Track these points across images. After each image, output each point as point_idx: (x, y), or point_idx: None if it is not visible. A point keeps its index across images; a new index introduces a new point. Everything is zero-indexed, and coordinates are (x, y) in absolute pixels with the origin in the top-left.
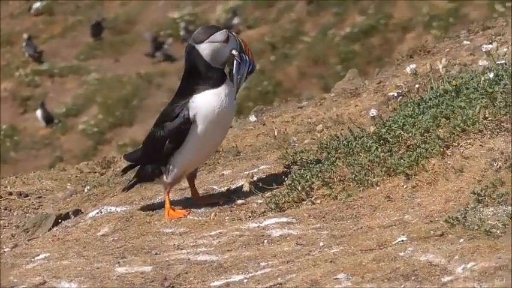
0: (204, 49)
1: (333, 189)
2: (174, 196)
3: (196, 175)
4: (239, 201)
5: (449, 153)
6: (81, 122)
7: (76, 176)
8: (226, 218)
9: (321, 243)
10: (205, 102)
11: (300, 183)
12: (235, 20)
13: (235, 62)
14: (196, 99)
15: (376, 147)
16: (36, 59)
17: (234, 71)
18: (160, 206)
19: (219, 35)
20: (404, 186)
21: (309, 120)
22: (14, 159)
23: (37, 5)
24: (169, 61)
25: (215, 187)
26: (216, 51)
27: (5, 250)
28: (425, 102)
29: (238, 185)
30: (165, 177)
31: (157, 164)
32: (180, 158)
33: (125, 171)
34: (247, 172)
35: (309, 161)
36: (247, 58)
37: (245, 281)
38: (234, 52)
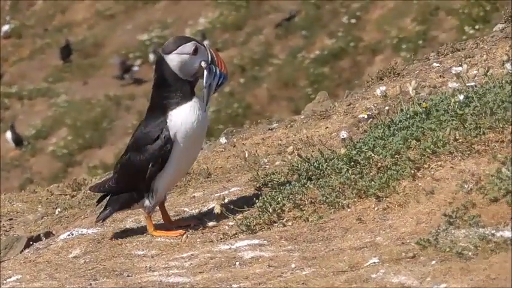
0: (172, 60)
1: (304, 211)
2: (143, 221)
3: (166, 198)
4: (210, 224)
5: (420, 175)
6: (51, 143)
7: (47, 198)
8: (197, 240)
9: (293, 265)
10: (183, 119)
11: (271, 205)
12: (204, 43)
13: (204, 72)
14: (174, 116)
15: (347, 169)
16: None
17: (204, 82)
18: (132, 227)
19: (188, 47)
20: (376, 208)
21: (280, 142)
22: None
23: (5, 28)
24: (138, 83)
25: (186, 209)
26: (184, 62)
27: None
28: (395, 124)
29: (209, 207)
30: (148, 201)
31: (138, 189)
32: (163, 179)
33: (99, 201)
34: (218, 194)
35: (280, 183)
36: (217, 70)
37: None
38: (202, 64)
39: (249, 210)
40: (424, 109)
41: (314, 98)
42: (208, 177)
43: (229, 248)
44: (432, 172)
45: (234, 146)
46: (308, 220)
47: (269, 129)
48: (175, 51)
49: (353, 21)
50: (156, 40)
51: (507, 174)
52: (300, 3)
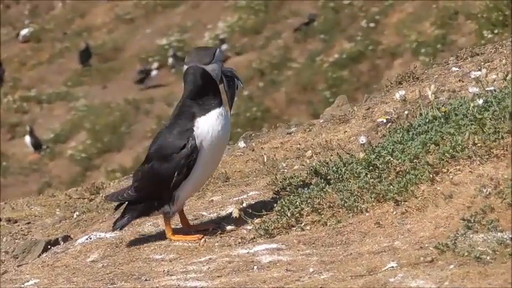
0: (214, 70)
1: (323, 216)
2: (161, 225)
3: (185, 202)
4: (229, 228)
5: (439, 180)
6: (70, 147)
7: (65, 202)
8: (215, 244)
9: (311, 269)
10: (210, 127)
11: (289, 209)
12: (223, 47)
13: (224, 79)
14: (200, 124)
15: (366, 173)
16: None
17: (225, 87)
18: (150, 232)
19: (219, 53)
20: (394, 213)
21: (298, 146)
22: (2, 185)
23: (25, 31)
24: (157, 87)
25: (204, 213)
26: (219, 69)
27: None
28: (414, 128)
29: (227, 211)
30: (168, 208)
31: (160, 198)
32: (187, 187)
33: (117, 208)
34: (237, 198)
35: (299, 187)
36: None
37: None
38: (227, 68)
39: (267, 214)
40: (443, 113)
41: (333, 102)
42: (226, 181)
43: (247, 252)
44: (451, 176)
45: (253, 150)
46: (326, 224)
47: (288, 133)
48: (213, 61)
49: (372, 25)
50: (175, 44)
51: None
52: (318, 7)
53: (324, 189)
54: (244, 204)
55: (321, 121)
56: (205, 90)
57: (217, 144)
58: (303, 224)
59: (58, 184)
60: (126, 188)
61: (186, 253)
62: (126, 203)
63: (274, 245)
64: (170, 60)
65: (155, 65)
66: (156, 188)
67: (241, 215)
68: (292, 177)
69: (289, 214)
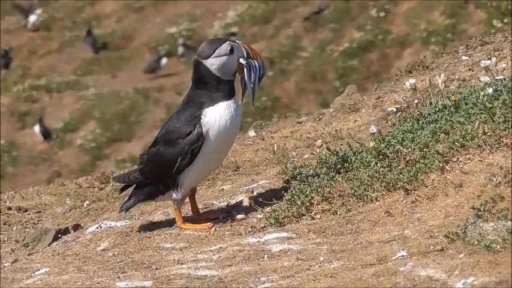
0: (212, 64)
1: (333, 204)
2: (172, 213)
3: (196, 190)
4: (239, 216)
5: (449, 169)
6: (79, 137)
7: (75, 191)
8: (226, 233)
9: (321, 258)
10: (218, 117)
11: (299, 198)
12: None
13: (245, 69)
14: (208, 113)
15: (376, 162)
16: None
17: (246, 78)
18: (160, 220)
19: (224, 48)
20: (404, 202)
21: (308, 135)
22: (12, 174)
23: (33, 18)
24: (167, 76)
25: (215, 202)
26: (223, 63)
27: (5, 265)
28: (424, 117)
29: (238, 200)
30: (174, 194)
31: (164, 182)
32: (190, 173)
33: (122, 190)
34: (247, 187)
35: (309, 176)
36: (256, 63)
37: None
38: (241, 61)
39: (277, 203)
40: (453, 102)
41: (343, 91)
42: (236, 170)
43: (258, 241)
44: (461, 165)
45: (263, 139)
46: (336, 213)
47: (298, 122)
48: (213, 55)
49: (382, 14)
50: (185, 33)
51: None
52: None
53: (334, 178)
54: (255, 193)
55: (330, 110)
56: (209, 82)
57: (225, 135)
58: (313, 212)
59: (68, 173)
60: (133, 170)
61: (196, 242)
62: (134, 185)
63: (285, 234)
64: (180, 49)
65: (164, 53)
66: (160, 171)
67: (251, 203)
68: (302, 167)
69: (299, 203)
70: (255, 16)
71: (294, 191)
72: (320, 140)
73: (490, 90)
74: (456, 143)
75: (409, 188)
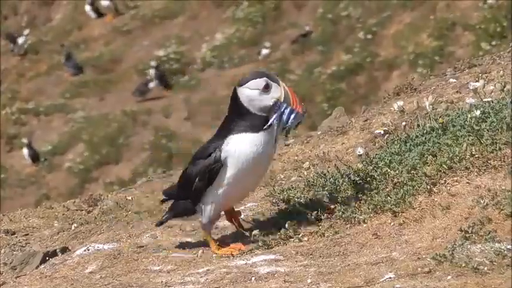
0: (243, 94)
1: (320, 227)
2: (159, 236)
3: (241, 213)
4: (227, 240)
5: (436, 191)
6: (68, 159)
7: (63, 214)
8: (213, 255)
9: (309, 280)
10: (239, 146)
11: (287, 220)
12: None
13: (275, 112)
14: (231, 141)
15: (363, 184)
16: None
17: (274, 121)
18: (148, 243)
19: (258, 82)
20: (391, 224)
21: (296, 158)
22: (0, 197)
23: (21, 41)
24: (155, 99)
25: None
26: (253, 97)
27: None
28: (412, 139)
29: (225, 223)
30: (201, 217)
31: (190, 201)
32: (211, 198)
33: (162, 202)
34: (235, 210)
35: (296, 198)
36: (287, 109)
37: None
38: (271, 102)
39: (265, 225)
40: (440, 124)
41: (330, 113)
42: None
43: (245, 263)
44: (448, 188)
45: None
46: (324, 235)
47: (285, 145)
48: (245, 85)
49: (369, 36)
50: (173, 56)
51: None
52: (316, 18)
53: (322, 201)
54: (242, 216)
55: (318, 133)
56: (239, 111)
57: (245, 166)
58: (300, 235)
59: (56, 196)
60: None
61: (184, 264)
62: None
63: (272, 256)
64: (151, 71)
65: (153, 76)
66: (185, 188)
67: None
68: (290, 189)
69: (287, 225)
70: (243, 39)
71: (281, 214)
72: (308, 163)
73: (478, 113)
74: (444, 165)
75: (396, 210)
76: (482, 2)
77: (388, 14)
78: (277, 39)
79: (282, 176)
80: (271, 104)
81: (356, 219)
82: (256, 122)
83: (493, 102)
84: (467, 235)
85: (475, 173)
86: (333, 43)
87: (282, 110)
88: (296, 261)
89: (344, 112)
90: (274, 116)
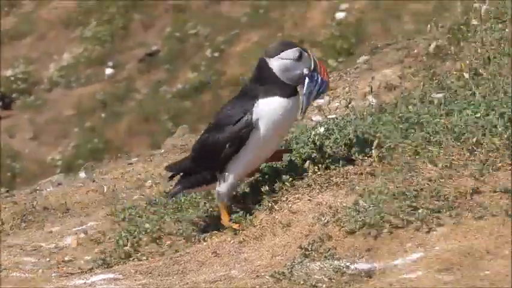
0: (275, 64)
1: (161, 245)
2: None
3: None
4: (66, 258)
5: (277, 208)
6: None
7: None
8: (53, 275)
9: None
10: (270, 108)
11: (128, 239)
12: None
13: (306, 80)
14: (261, 103)
15: (205, 202)
16: None
17: (304, 89)
18: None
19: (292, 52)
20: (232, 242)
21: (139, 176)
22: None
23: None
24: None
25: (43, 244)
26: (287, 67)
27: None
28: None
29: (66, 242)
30: (219, 187)
31: (210, 170)
32: (237, 163)
33: (171, 178)
34: (76, 229)
35: (137, 217)
36: (319, 77)
37: None
38: (305, 71)
39: (105, 244)
40: (284, 142)
41: (175, 132)
42: (66, 212)
43: (84, 283)
44: (290, 205)
45: (94, 181)
46: (164, 254)
47: (129, 163)
48: (278, 56)
49: (216, 54)
50: (21, 76)
51: (364, 206)
52: (164, 37)
53: (163, 219)
54: (83, 235)
55: (161, 151)
56: (268, 80)
57: (274, 126)
58: (140, 253)
59: None
60: (184, 158)
61: (23, 284)
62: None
63: (112, 275)
64: None
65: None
66: (208, 158)
67: (79, 245)
68: (132, 208)
69: (128, 244)
70: (91, 58)
71: (122, 233)
72: (150, 181)
73: (322, 129)
74: (286, 183)
75: (237, 227)
76: (330, 19)
77: (236, 32)
78: (124, 58)
79: (124, 195)
80: (305, 72)
81: (196, 237)
82: (285, 89)
83: (337, 119)
84: (306, 252)
85: (317, 190)
86: (179, 61)
87: (316, 78)
88: (135, 279)
89: (188, 130)
90: (310, 85)
